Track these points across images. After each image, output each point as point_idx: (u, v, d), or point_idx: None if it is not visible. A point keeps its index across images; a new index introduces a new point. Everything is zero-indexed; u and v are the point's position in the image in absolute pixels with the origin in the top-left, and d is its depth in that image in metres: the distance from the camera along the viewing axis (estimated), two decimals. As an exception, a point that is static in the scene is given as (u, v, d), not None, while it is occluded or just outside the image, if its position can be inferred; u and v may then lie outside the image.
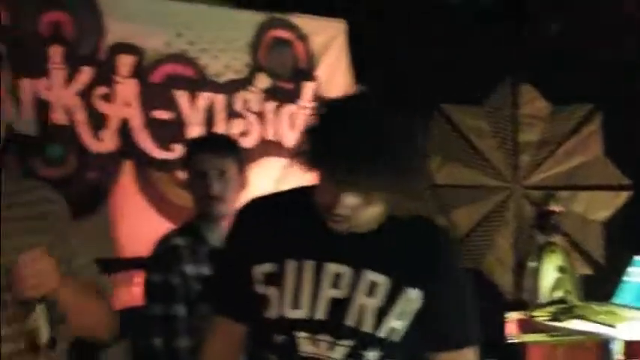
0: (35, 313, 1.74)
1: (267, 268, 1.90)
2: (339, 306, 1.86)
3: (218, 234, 2.77)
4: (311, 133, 1.77)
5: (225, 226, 2.75)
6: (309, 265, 1.87)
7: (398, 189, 1.71)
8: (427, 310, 1.89)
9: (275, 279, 1.89)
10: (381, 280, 1.86)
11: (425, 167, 1.80)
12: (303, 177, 1.82)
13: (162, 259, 2.75)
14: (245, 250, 1.94)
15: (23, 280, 1.72)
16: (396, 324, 1.88)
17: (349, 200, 1.74)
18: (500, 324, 3.63)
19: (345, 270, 1.86)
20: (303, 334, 1.87)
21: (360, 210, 1.77)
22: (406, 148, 1.71)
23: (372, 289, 1.86)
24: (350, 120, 1.72)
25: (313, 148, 1.75)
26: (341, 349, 1.86)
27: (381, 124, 1.70)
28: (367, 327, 1.86)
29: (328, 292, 1.86)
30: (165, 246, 2.77)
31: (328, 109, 1.78)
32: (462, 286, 1.96)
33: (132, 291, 3.27)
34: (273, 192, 2.04)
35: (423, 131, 1.79)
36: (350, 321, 1.86)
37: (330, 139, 1.70)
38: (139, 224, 3.46)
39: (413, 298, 1.88)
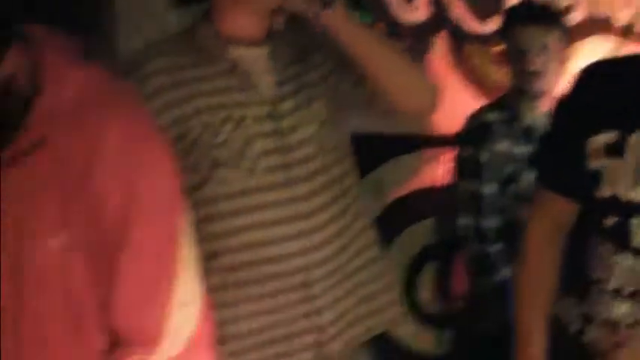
0: None
1: (606, 137, 1.63)
2: None
3: (535, 112, 2.61)
4: None
5: (543, 104, 2.59)
6: None
7: None
8: None
9: (614, 151, 1.61)
10: None
11: None
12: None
13: (472, 134, 2.64)
14: (583, 116, 1.68)
15: None
16: None
17: None
18: None
19: None
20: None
21: None
22: None
23: None
24: None
25: None
26: None
27: None
28: None
29: None
30: (476, 122, 2.67)
31: None
32: None
33: (442, 169, 3.16)
34: (619, 56, 1.77)
35: None
36: None
37: None
38: (452, 99, 3.27)
39: None
